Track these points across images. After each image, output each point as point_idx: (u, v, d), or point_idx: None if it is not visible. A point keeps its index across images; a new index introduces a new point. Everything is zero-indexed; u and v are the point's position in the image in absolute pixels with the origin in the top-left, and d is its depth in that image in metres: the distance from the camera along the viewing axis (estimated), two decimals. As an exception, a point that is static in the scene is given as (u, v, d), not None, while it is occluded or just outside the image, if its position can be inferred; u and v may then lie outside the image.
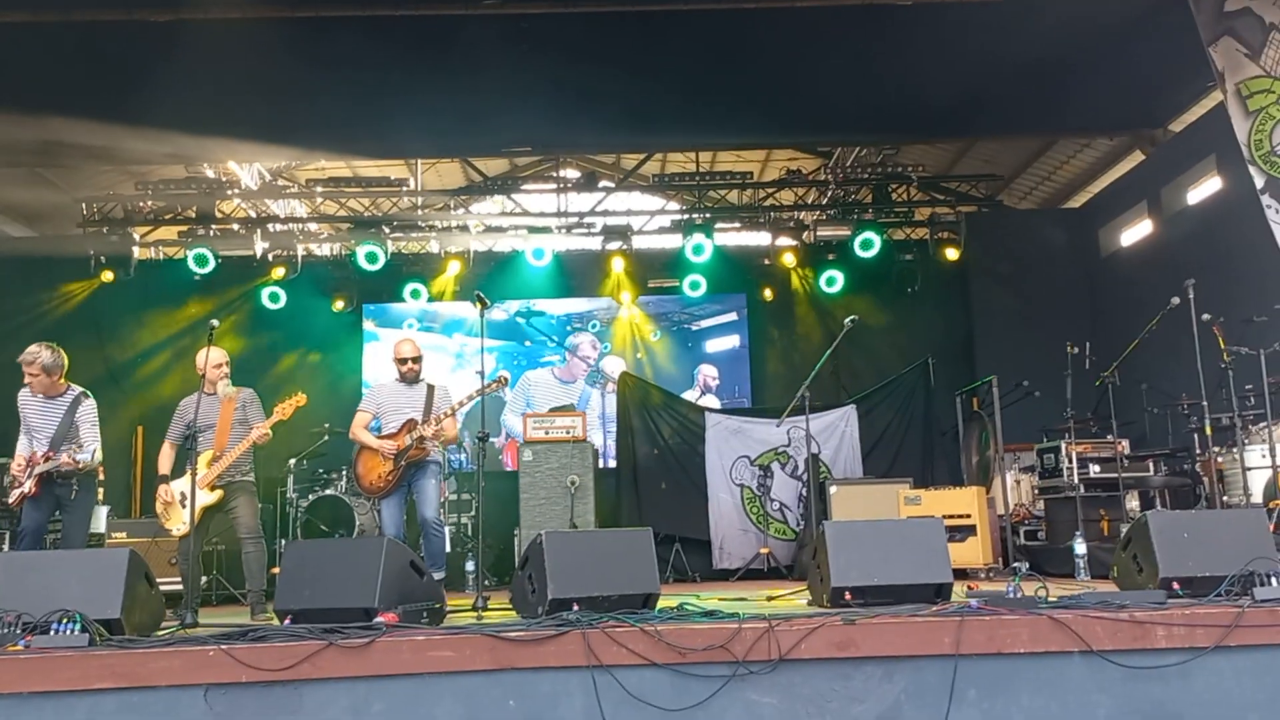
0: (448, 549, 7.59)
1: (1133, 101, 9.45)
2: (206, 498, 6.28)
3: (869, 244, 11.36)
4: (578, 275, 12.26)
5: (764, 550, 9.89)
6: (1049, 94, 8.97)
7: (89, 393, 6.42)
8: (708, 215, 12.04)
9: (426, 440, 6.69)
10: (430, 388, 6.96)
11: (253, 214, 12.26)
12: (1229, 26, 7.83)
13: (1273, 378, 7.00)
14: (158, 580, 4.98)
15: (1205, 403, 6.94)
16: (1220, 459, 7.46)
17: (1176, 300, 7.03)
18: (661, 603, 4.82)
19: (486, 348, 6.80)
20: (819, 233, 11.98)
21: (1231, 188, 8.94)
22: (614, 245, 11.99)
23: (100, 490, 6.96)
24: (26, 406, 6.32)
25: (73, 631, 4.03)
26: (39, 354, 6.22)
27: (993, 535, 8.61)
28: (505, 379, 7.29)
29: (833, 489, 9.08)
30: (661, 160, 13.49)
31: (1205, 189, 9.62)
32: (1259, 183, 7.56)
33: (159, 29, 7.50)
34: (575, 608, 4.40)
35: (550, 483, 9.42)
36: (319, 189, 12.12)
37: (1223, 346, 6.99)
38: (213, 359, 6.36)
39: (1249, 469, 7.06)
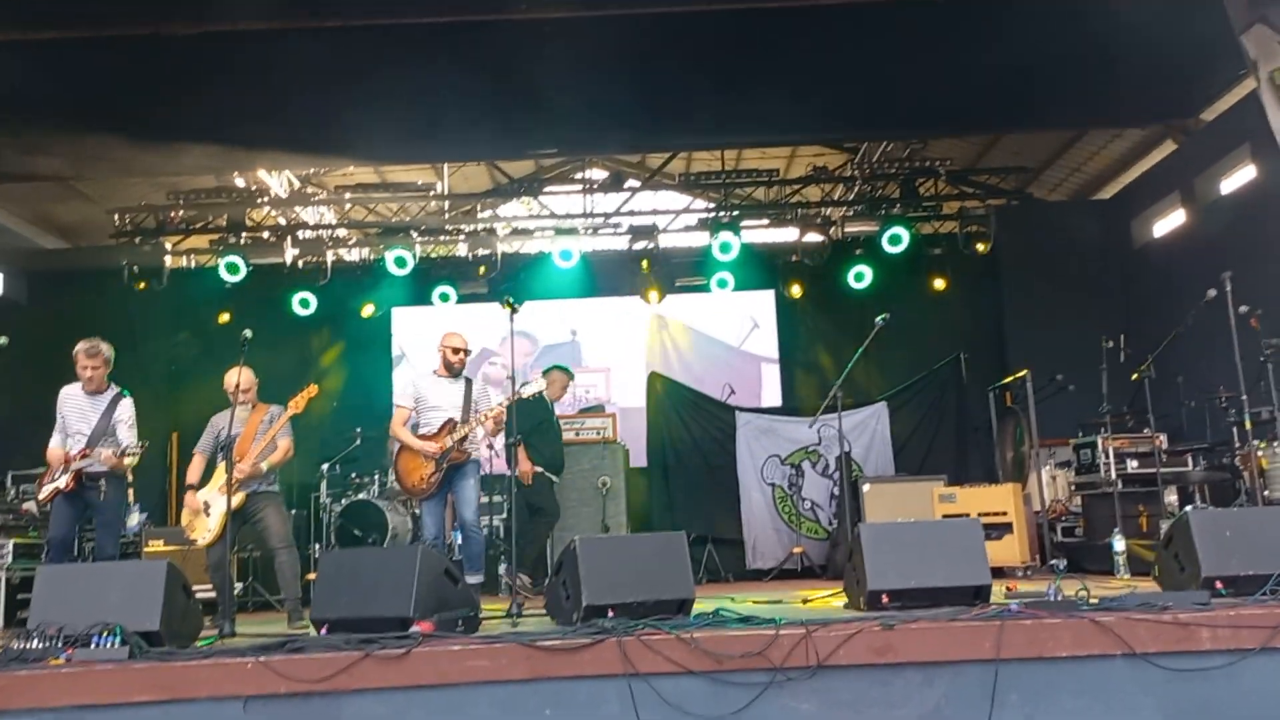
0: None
1: (1165, 92, 9.28)
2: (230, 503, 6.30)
3: (897, 239, 11.27)
4: (605, 275, 12.26)
5: (797, 550, 9.87)
6: (1081, 87, 8.83)
7: (126, 391, 6.48)
8: (734, 213, 11.99)
9: (467, 442, 6.71)
10: (469, 382, 6.96)
11: (282, 221, 12.34)
12: (1261, 14, 7.69)
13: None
14: (194, 588, 5.03)
15: (1244, 396, 6.84)
16: (1261, 453, 7.33)
17: (1213, 292, 6.92)
18: (696, 606, 4.81)
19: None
20: (847, 228, 11.91)
21: (1267, 176, 8.80)
22: (641, 245, 11.97)
23: (130, 491, 6.99)
24: (67, 403, 6.39)
25: (113, 644, 4.08)
26: (100, 346, 6.35)
27: (1030, 532, 8.54)
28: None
29: (865, 487, 9.04)
30: (687, 159, 13.45)
31: (1239, 178, 9.47)
32: (1295, 172, 7.44)
33: (185, 42, 7.55)
34: (610, 614, 4.40)
35: (582, 484, 9.44)
36: (348, 195, 12.19)
37: (1262, 340, 6.87)
38: (242, 383, 6.34)
39: (1290, 463, 6.95)
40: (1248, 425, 6.98)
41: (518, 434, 7.96)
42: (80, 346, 6.33)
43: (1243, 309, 6.86)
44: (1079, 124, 11.01)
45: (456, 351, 6.91)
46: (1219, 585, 4.56)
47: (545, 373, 8.91)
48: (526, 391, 6.75)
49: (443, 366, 6.93)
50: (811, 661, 3.95)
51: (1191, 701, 3.98)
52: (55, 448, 6.35)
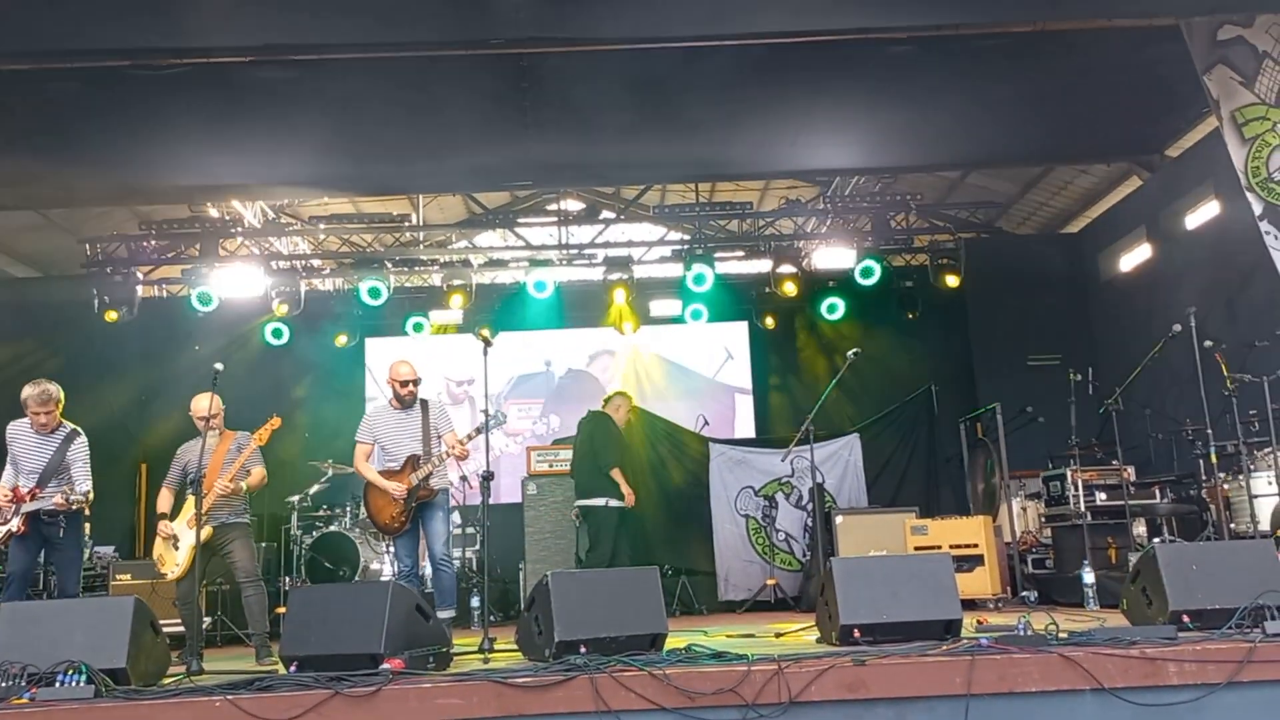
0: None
1: (1129, 130, 9.49)
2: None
3: (869, 271, 11.38)
4: (579, 307, 12.29)
5: (770, 582, 9.86)
6: (1047, 124, 9.01)
7: (80, 430, 6.38)
8: (708, 245, 12.07)
9: (433, 478, 6.67)
10: (424, 405, 6.90)
11: (255, 251, 12.30)
12: (1222, 55, 7.87)
13: (1276, 404, 6.98)
14: (162, 622, 4.97)
15: (1210, 429, 6.94)
16: (1226, 486, 7.43)
17: (1178, 327, 7.04)
18: (670, 639, 4.81)
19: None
20: (819, 261, 12.01)
21: (1229, 213, 8.96)
22: (615, 276, 12.02)
23: (87, 525, 6.89)
24: (17, 441, 6.25)
25: (78, 683, 4.02)
26: (49, 390, 6.20)
27: (1000, 564, 8.58)
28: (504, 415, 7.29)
29: (838, 519, 9.05)
30: (661, 191, 13.54)
31: (1203, 214, 9.64)
32: (1257, 209, 7.58)
33: (163, 73, 7.55)
34: (583, 649, 4.39)
35: (555, 516, 9.41)
36: (322, 225, 12.18)
37: (1225, 374, 6.98)
38: (210, 408, 6.28)
39: (1255, 496, 7.04)
40: (1213, 459, 7.08)
41: (616, 463, 8.39)
42: (30, 393, 6.15)
43: (1208, 344, 6.97)
44: (1045, 160, 11.19)
45: (405, 384, 6.81)
46: (1186, 619, 4.61)
47: (608, 399, 9.07)
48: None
49: (395, 399, 6.88)
50: (784, 698, 3.96)
51: (1159, 736, 4.01)
52: (4, 483, 6.20)
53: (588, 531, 8.70)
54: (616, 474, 8.42)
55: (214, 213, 11.83)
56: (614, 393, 9.34)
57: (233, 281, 11.38)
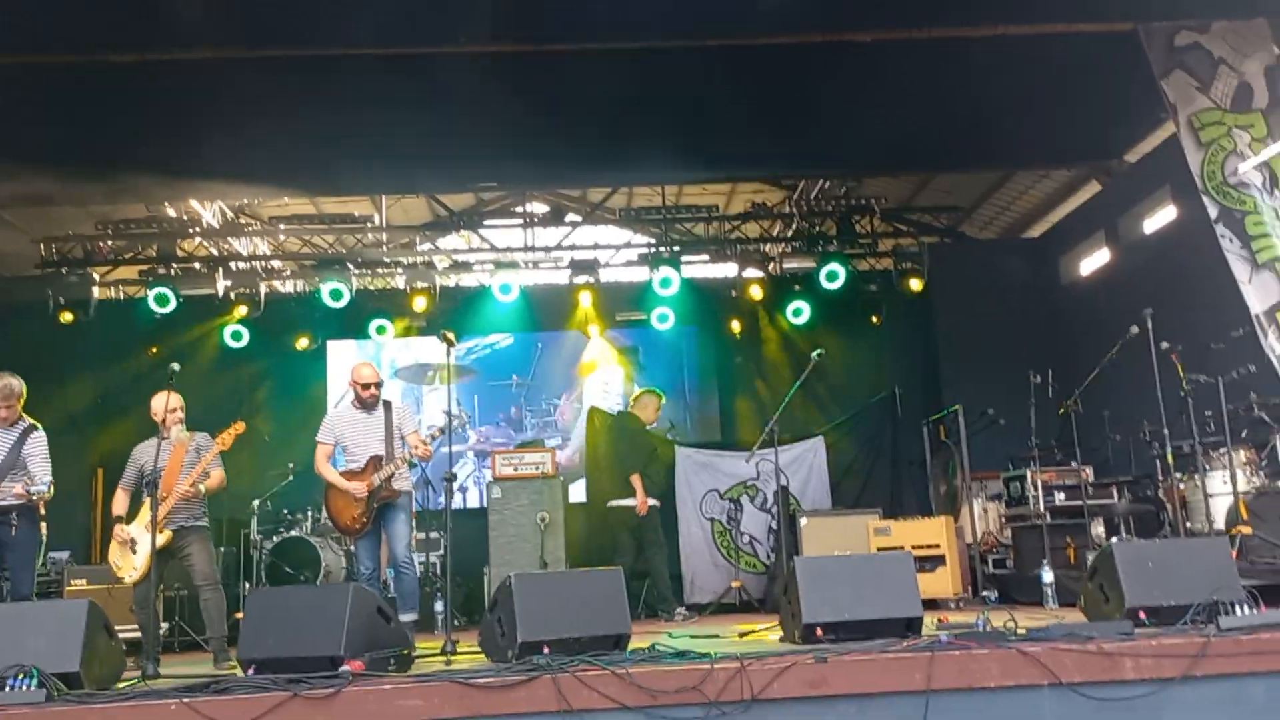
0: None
1: (1088, 135, 9.61)
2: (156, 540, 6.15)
3: (834, 275, 11.43)
4: (545, 309, 12.25)
5: (736, 584, 9.87)
6: (1007, 130, 9.11)
7: (39, 425, 6.27)
8: (675, 248, 12.08)
9: (395, 479, 6.62)
10: (388, 407, 6.84)
11: (215, 252, 12.16)
12: (1180, 60, 8.01)
13: (1232, 405, 7.09)
14: (118, 628, 4.89)
15: (1166, 430, 7.03)
16: (1183, 486, 7.53)
17: (1135, 329, 7.13)
18: (634, 641, 4.80)
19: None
20: (785, 264, 12.06)
21: (1186, 217, 9.10)
22: (581, 279, 12.00)
23: (43, 525, 6.76)
24: None
25: (29, 687, 3.94)
26: (12, 384, 6.09)
27: (962, 564, 8.66)
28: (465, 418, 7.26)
29: (802, 521, 9.09)
30: (628, 194, 13.54)
31: (1161, 218, 9.79)
32: (1213, 213, 7.71)
33: (119, 70, 7.45)
34: (546, 650, 4.37)
35: (520, 520, 9.36)
36: (282, 226, 12.05)
37: (1181, 375, 7.07)
38: (170, 404, 6.24)
39: (1211, 495, 7.14)
40: (1170, 459, 7.17)
41: (637, 467, 8.67)
42: None
43: (1164, 345, 7.07)
44: (1005, 165, 11.32)
45: (366, 387, 6.76)
46: (1142, 615, 4.66)
47: (636, 398, 9.30)
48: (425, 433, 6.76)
49: (356, 400, 6.83)
50: (746, 695, 3.95)
51: (1116, 731, 4.05)
52: None
53: (619, 532, 9.01)
54: (635, 480, 8.76)
55: (171, 213, 11.67)
56: (642, 391, 9.51)
57: (191, 283, 11.24)
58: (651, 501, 8.82)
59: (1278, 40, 7.93)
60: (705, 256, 12.69)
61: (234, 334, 11.48)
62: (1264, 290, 7.37)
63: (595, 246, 13.06)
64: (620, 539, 8.97)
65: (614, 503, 9.04)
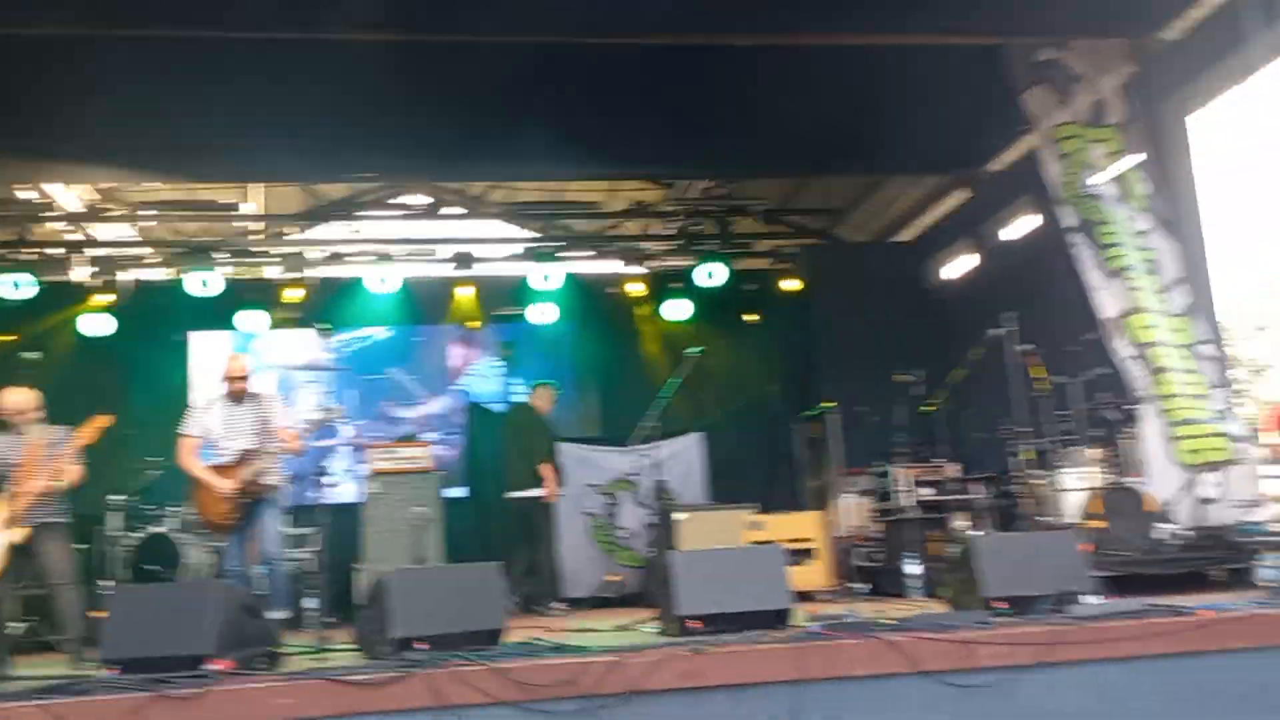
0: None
1: (953, 144, 9.97)
2: (10, 536, 5.88)
3: (713, 274, 11.60)
4: (423, 303, 12.07)
5: (614, 578, 9.93)
6: (874, 136, 9.36)
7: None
8: (557, 243, 12.06)
9: (265, 475, 6.45)
10: (257, 400, 6.69)
11: (74, 237, 11.58)
12: (1040, 75, 8.41)
13: (1087, 404, 7.48)
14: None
15: (1027, 429, 7.39)
16: (1039, 481, 7.91)
17: (991, 332, 7.48)
18: (512, 636, 4.80)
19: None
20: (665, 262, 12.16)
21: (1046, 225, 9.54)
22: (461, 272, 11.85)
23: None
24: None
25: None
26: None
27: (834, 557, 8.90)
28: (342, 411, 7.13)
29: (678, 516, 9.17)
30: (510, 188, 13.44)
31: (1023, 225, 10.23)
32: (1071, 222, 8.13)
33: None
34: (421, 646, 4.33)
35: (395, 515, 9.20)
36: (149, 212, 11.55)
37: (1034, 375, 7.44)
38: (23, 402, 5.94)
39: (1064, 491, 7.52)
40: (1028, 455, 7.54)
41: (546, 458, 8.60)
42: None
43: (1021, 348, 7.42)
44: (878, 171, 11.63)
45: (235, 379, 6.62)
46: (1001, 605, 4.89)
47: (533, 389, 9.28)
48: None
49: (228, 394, 6.66)
50: (623, 688, 4.00)
51: (976, 716, 4.24)
52: None
53: (521, 523, 8.89)
54: (547, 469, 8.72)
55: (23, 195, 11.04)
56: (537, 383, 9.44)
57: (50, 269, 10.68)
58: (562, 492, 8.82)
59: (1134, 60, 8.39)
60: (589, 252, 12.70)
61: (96, 324, 10.96)
62: (1113, 297, 7.81)
63: (476, 240, 12.92)
64: (522, 531, 8.86)
65: (514, 494, 8.87)
